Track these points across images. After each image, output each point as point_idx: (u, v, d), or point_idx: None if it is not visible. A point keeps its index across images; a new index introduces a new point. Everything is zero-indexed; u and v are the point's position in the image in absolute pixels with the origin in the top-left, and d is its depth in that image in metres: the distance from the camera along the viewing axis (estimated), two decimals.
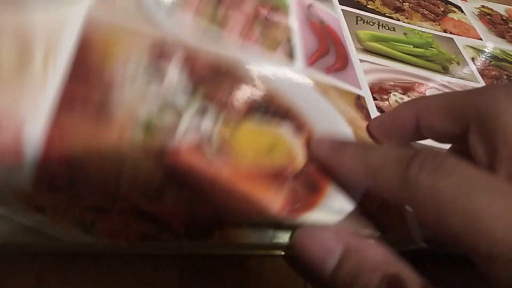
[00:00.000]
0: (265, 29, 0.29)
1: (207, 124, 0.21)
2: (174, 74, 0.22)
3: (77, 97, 0.19)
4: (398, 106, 0.24)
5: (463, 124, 0.19)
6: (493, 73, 0.38)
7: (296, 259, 0.20)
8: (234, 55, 0.25)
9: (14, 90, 0.19)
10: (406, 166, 0.17)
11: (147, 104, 0.20)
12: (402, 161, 0.17)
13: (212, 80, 0.23)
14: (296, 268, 0.21)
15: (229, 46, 0.26)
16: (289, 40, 0.29)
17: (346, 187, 0.22)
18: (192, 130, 0.21)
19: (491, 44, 0.42)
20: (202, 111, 0.21)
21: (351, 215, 0.21)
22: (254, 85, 0.24)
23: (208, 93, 0.22)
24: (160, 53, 0.22)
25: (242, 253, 0.22)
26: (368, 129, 0.26)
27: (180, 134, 0.20)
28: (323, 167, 0.22)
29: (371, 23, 0.38)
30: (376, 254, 0.18)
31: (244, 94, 0.23)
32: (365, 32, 0.36)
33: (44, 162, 0.18)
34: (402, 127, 0.23)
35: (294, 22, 0.31)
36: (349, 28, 0.36)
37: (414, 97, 0.32)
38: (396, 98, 0.31)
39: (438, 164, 0.16)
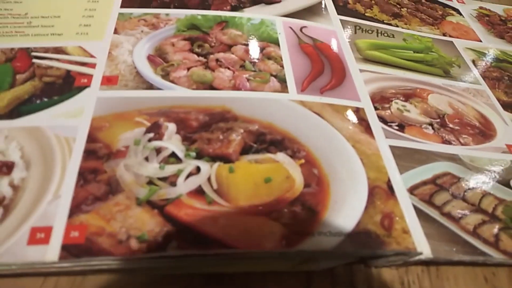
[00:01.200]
0: (257, 65, 0.31)
1: (205, 168, 0.23)
2: (171, 132, 0.25)
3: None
4: None
5: None
6: (494, 74, 0.38)
7: None
8: (224, 102, 0.27)
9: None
10: None
11: (149, 163, 0.23)
12: None
13: (205, 130, 0.25)
14: None
15: (220, 94, 0.28)
16: (281, 70, 0.30)
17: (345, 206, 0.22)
18: (192, 175, 0.23)
19: (491, 46, 0.42)
20: (199, 158, 0.24)
21: (351, 235, 0.21)
22: (247, 122, 0.26)
23: (203, 141, 0.24)
24: (157, 117, 0.25)
25: (246, 271, 0.22)
26: None
27: (181, 181, 0.22)
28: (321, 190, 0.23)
29: (370, 31, 0.38)
30: None
31: (237, 134, 0.25)
32: (364, 41, 0.36)
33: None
34: None
35: (285, 51, 0.32)
36: (348, 38, 0.36)
37: (416, 103, 0.32)
38: (398, 105, 0.31)
39: None
